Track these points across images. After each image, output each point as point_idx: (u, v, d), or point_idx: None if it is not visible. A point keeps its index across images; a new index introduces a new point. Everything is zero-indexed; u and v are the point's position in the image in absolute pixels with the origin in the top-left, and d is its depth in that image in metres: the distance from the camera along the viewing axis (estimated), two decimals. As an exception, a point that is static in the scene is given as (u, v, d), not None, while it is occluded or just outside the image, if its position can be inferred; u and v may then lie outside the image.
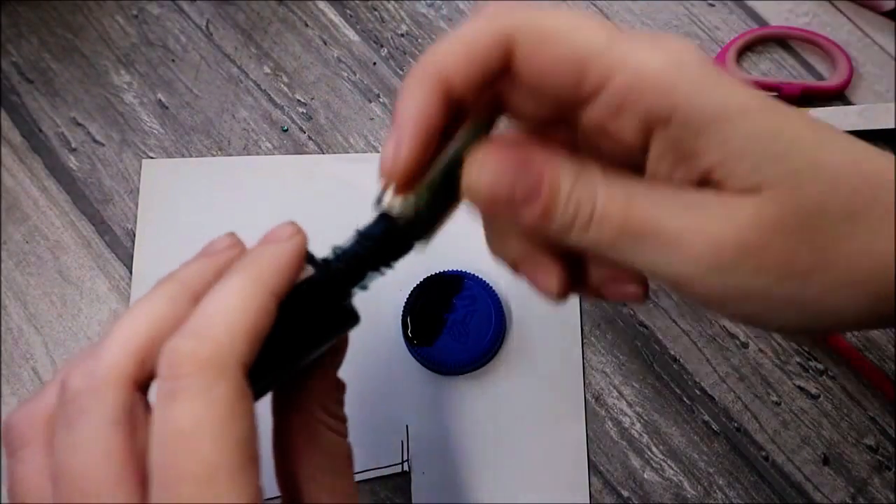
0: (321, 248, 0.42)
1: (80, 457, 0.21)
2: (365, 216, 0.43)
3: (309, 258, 0.25)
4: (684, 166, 0.23)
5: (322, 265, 0.25)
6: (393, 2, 0.45)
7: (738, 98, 0.22)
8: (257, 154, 0.42)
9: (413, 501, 0.37)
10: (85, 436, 0.21)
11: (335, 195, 0.42)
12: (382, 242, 0.25)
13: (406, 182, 0.23)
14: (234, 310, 0.23)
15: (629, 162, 0.24)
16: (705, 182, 0.23)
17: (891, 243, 0.22)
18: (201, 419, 0.21)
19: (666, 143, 0.23)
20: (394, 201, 0.24)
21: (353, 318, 0.26)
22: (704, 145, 0.22)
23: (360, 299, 0.29)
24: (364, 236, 0.25)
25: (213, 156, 0.42)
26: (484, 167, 0.23)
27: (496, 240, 0.28)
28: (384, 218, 0.24)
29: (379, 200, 0.24)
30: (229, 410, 0.21)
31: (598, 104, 0.23)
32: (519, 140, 0.24)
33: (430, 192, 0.24)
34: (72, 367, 0.23)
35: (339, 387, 0.29)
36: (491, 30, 0.22)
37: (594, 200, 0.23)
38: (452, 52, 0.22)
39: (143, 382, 0.23)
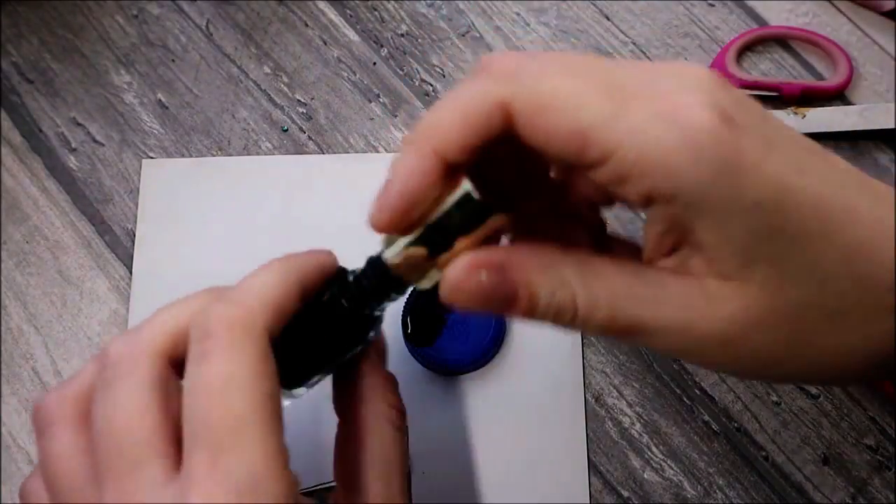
0: (320, 247, 0.42)
1: (119, 413, 0.23)
2: (364, 216, 0.43)
3: (341, 273, 0.27)
4: (678, 235, 0.23)
5: (343, 282, 0.27)
6: (393, 2, 0.45)
7: (751, 191, 0.21)
8: (257, 154, 0.42)
9: (413, 501, 0.37)
10: (124, 394, 0.23)
11: (335, 195, 0.42)
12: (379, 282, 0.26)
13: (393, 232, 0.24)
14: (264, 284, 0.25)
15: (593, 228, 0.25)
16: (695, 256, 0.23)
17: (861, 341, 0.23)
18: (231, 374, 0.23)
19: (664, 215, 0.22)
20: (385, 248, 0.25)
21: (372, 322, 0.28)
22: (701, 229, 0.22)
23: None
24: (363, 273, 0.27)
25: (213, 156, 0.42)
26: (460, 281, 0.23)
27: None
28: (376, 261, 0.26)
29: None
30: (256, 368, 0.23)
31: (600, 173, 0.22)
32: (500, 251, 0.24)
33: (413, 246, 0.24)
34: (112, 341, 0.25)
35: (392, 380, 0.30)
36: (488, 98, 0.22)
37: (575, 305, 0.23)
38: (449, 120, 0.22)
39: (176, 360, 0.25)
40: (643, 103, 0.21)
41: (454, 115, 0.22)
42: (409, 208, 0.23)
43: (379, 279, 0.26)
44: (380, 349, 0.31)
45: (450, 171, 0.23)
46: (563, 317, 0.23)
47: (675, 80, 0.22)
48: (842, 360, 0.23)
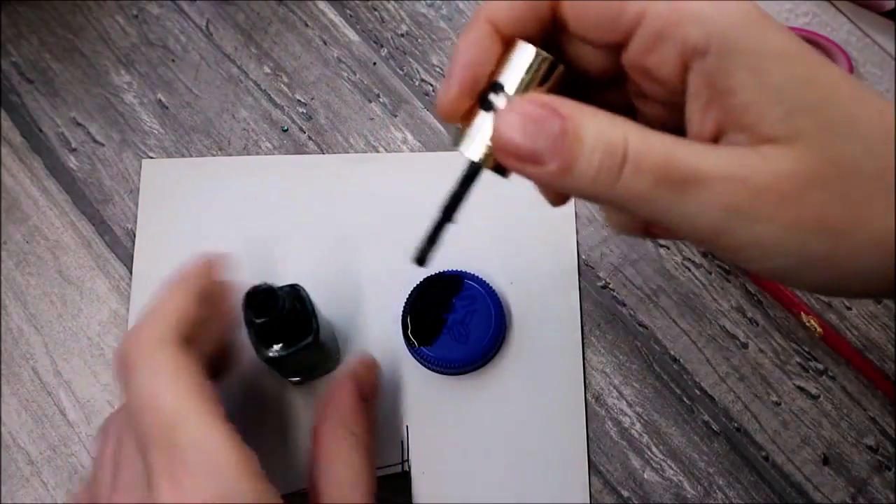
0: (320, 247, 0.42)
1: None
2: (364, 216, 0.44)
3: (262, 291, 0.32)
4: (719, 105, 0.22)
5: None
6: (393, 2, 0.45)
7: (777, 40, 0.22)
8: (257, 154, 0.42)
9: (413, 501, 0.37)
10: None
11: (335, 195, 0.42)
12: (466, 174, 0.26)
13: (459, 110, 0.25)
14: (164, 302, 0.30)
15: (671, 117, 0.24)
16: (739, 128, 0.22)
17: None
18: (153, 381, 0.27)
19: (702, 79, 0.22)
20: (456, 136, 0.25)
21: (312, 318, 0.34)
22: (739, 82, 0.22)
23: (360, 300, 0.34)
24: (462, 182, 0.26)
25: (213, 156, 0.42)
26: (506, 120, 0.23)
27: (610, 215, 0.29)
28: (470, 165, 0.26)
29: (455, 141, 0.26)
30: (173, 368, 0.27)
31: (637, 40, 0.23)
32: (545, 96, 0.23)
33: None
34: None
35: (357, 405, 0.34)
36: None
37: (625, 146, 0.22)
38: (501, 2, 0.24)
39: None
40: None
41: None
42: (470, 83, 0.24)
43: (472, 177, 0.26)
44: (353, 373, 0.35)
45: (502, 45, 0.24)
46: (611, 157, 0.22)
47: None
48: (890, 237, 0.22)
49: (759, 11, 0.22)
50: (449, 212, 0.27)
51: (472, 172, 0.25)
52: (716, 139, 0.23)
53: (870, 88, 0.23)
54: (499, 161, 0.24)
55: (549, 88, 0.24)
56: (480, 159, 0.25)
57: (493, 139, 0.23)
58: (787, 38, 0.22)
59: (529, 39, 0.24)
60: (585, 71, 0.26)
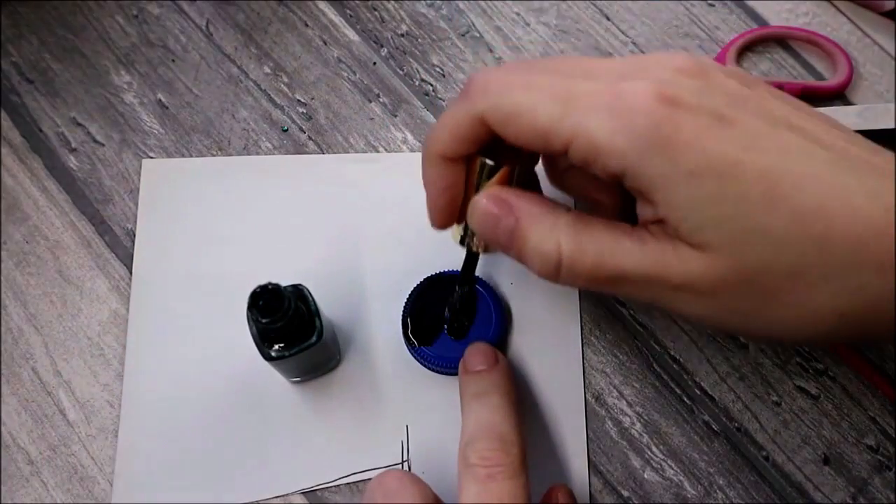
0: (321, 247, 0.42)
1: None
2: (364, 215, 0.44)
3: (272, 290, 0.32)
4: (649, 207, 0.26)
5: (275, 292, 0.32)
6: (393, 2, 0.45)
7: (687, 162, 0.24)
8: (257, 154, 0.42)
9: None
10: None
11: (335, 195, 0.42)
12: (466, 262, 0.36)
13: (450, 222, 0.32)
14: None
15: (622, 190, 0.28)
16: (666, 224, 0.26)
17: (829, 298, 0.24)
18: None
19: (630, 189, 0.26)
20: (454, 233, 0.33)
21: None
22: (655, 199, 0.25)
23: (360, 299, 0.36)
24: (465, 267, 0.36)
25: (213, 156, 0.42)
26: (475, 214, 0.30)
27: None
28: (470, 253, 0.35)
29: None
30: None
31: (570, 157, 0.26)
32: (507, 192, 0.29)
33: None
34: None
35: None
36: (468, 114, 0.28)
37: (559, 255, 0.27)
38: (443, 135, 0.29)
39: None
40: (589, 99, 0.25)
41: (446, 131, 0.29)
42: (449, 202, 0.31)
43: (472, 262, 0.35)
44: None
45: (459, 165, 0.30)
46: (547, 263, 0.27)
47: (637, 72, 0.26)
48: (811, 316, 0.25)
49: (671, 130, 0.24)
50: (466, 280, 0.36)
51: (471, 259, 0.35)
52: (654, 221, 0.26)
53: (801, 176, 0.24)
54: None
55: (504, 179, 0.30)
56: (476, 249, 0.33)
57: (469, 223, 0.30)
58: (697, 155, 0.24)
59: (479, 152, 0.30)
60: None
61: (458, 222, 0.32)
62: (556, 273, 0.27)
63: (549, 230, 0.27)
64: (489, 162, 0.30)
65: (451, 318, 0.37)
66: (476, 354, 0.35)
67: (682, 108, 0.24)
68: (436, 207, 0.31)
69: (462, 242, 0.33)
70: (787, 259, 0.24)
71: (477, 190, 0.30)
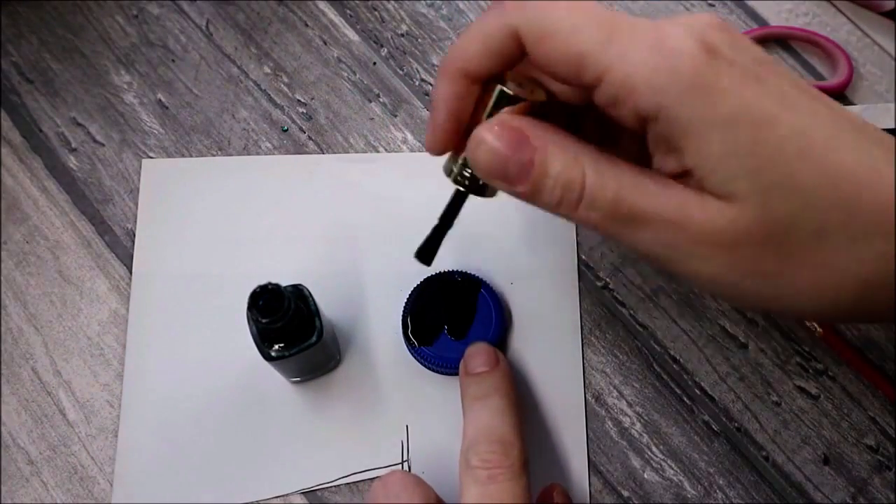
0: (321, 247, 0.42)
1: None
2: (364, 216, 0.44)
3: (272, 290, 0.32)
4: (673, 157, 0.25)
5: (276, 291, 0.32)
6: (393, 2, 0.45)
7: (724, 107, 0.23)
8: (257, 154, 0.42)
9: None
10: None
11: (335, 195, 0.42)
12: (452, 201, 0.30)
13: (450, 147, 0.28)
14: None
15: (639, 147, 0.26)
16: (691, 175, 0.24)
17: (854, 263, 0.24)
18: None
19: (657, 135, 0.25)
20: (446, 165, 0.29)
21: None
22: (685, 147, 0.24)
23: (360, 299, 0.35)
24: (454, 199, 0.30)
25: (213, 156, 0.42)
26: (482, 145, 0.26)
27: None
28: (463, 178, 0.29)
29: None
30: None
31: (599, 95, 0.25)
32: (522, 120, 0.26)
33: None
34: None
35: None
36: (500, 25, 0.25)
37: (582, 184, 0.25)
38: (470, 46, 0.26)
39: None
40: (633, 34, 0.24)
41: (474, 42, 0.26)
42: (454, 127, 0.27)
43: (458, 204, 0.30)
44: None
45: (478, 88, 0.27)
46: (570, 193, 0.25)
47: (674, 21, 0.25)
48: (834, 280, 0.24)
49: (712, 76, 0.23)
50: (445, 221, 0.30)
51: (459, 199, 0.29)
52: (674, 175, 0.25)
53: (833, 134, 0.24)
54: (478, 178, 0.27)
55: (521, 111, 0.27)
56: (466, 185, 0.28)
57: (471, 156, 0.26)
58: (736, 103, 0.23)
59: (501, 75, 0.27)
60: (566, 99, 0.29)
61: (457, 152, 0.28)
62: (576, 204, 0.25)
63: (573, 158, 0.25)
64: (508, 91, 0.26)
65: (425, 246, 0.31)
66: (477, 355, 0.35)
67: (721, 57, 0.24)
68: (438, 128, 0.27)
69: (451, 176, 0.29)
70: (815, 217, 0.23)
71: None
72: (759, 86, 0.24)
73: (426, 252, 0.31)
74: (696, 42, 0.23)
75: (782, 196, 0.23)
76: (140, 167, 0.42)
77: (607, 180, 0.25)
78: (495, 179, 0.26)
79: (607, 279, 0.40)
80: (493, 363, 0.35)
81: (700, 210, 0.24)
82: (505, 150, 0.26)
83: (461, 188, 0.28)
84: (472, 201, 0.29)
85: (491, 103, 0.26)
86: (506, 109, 0.26)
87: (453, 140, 0.28)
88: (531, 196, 0.26)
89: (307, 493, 0.37)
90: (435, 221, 0.30)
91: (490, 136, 0.26)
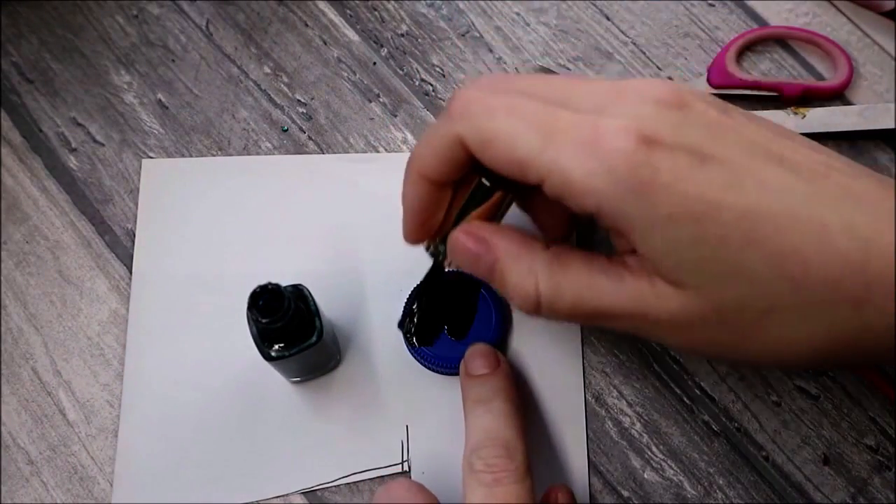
0: (321, 247, 0.42)
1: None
2: (364, 216, 0.44)
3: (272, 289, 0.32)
4: (625, 240, 0.26)
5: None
6: (393, 2, 0.45)
7: (663, 208, 0.24)
8: (257, 154, 0.42)
9: (413, 501, 0.37)
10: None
11: (335, 195, 0.42)
12: (430, 272, 0.35)
13: (423, 239, 0.32)
14: None
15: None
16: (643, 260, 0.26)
17: (806, 335, 0.25)
18: None
19: (604, 224, 0.26)
20: (431, 251, 0.33)
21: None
22: (634, 239, 0.25)
23: (360, 299, 0.37)
24: (428, 277, 0.36)
25: (213, 156, 0.42)
26: (457, 245, 0.30)
27: None
28: (437, 263, 0.34)
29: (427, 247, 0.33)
30: None
31: (545, 191, 0.26)
32: (487, 229, 0.29)
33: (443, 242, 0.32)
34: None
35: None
36: (447, 133, 0.27)
37: (536, 295, 0.27)
38: (425, 154, 0.29)
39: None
40: (569, 134, 0.25)
41: (428, 150, 0.28)
42: (423, 221, 0.30)
43: (437, 274, 0.35)
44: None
45: (441, 188, 0.29)
46: (526, 302, 0.28)
47: (614, 110, 0.25)
48: (789, 350, 0.25)
49: (649, 173, 0.24)
50: (423, 295, 0.37)
51: (437, 271, 0.35)
52: (630, 253, 0.27)
53: (780, 215, 0.24)
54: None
55: (493, 208, 0.30)
56: (447, 266, 0.33)
57: (449, 256, 0.31)
58: (675, 200, 0.24)
59: (453, 179, 0.29)
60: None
61: (433, 238, 0.32)
62: (536, 311, 0.28)
63: (527, 270, 0.28)
64: (486, 183, 0.30)
65: (409, 324, 0.38)
66: (477, 357, 0.35)
67: (661, 147, 0.24)
68: (411, 225, 0.31)
69: (433, 255, 0.32)
70: (763, 298, 0.24)
71: (464, 210, 0.30)
72: (704, 169, 0.24)
73: (404, 323, 0.37)
74: (634, 137, 0.24)
75: (728, 283, 0.24)
76: (140, 167, 0.42)
77: (563, 289, 0.27)
78: (474, 274, 0.30)
79: (607, 279, 0.40)
80: (494, 365, 0.35)
81: (654, 300, 0.26)
82: (475, 251, 0.29)
83: (440, 265, 0.33)
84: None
85: (469, 192, 0.30)
86: (485, 206, 0.30)
87: (428, 231, 0.31)
88: (502, 294, 0.29)
89: (307, 493, 0.37)
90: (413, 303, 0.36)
91: (463, 238, 0.29)
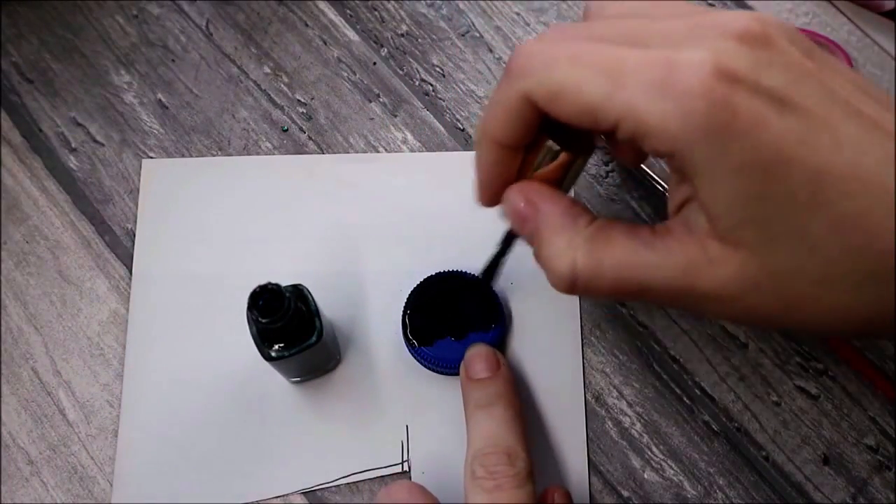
0: (321, 247, 0.42)
1: None
2: (364, 216, 0.44)
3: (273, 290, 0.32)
4: (687, 186, 0.25)
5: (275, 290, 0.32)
6: (393, 2, 0.45)
7: (735, 155, 0.23)
8: (257, 154, 0.42)
9: (413, 501, 0.37)
10: None
11: (335, 195, 0.42)
12: (506, 235, 0.34)
13: (495, 204, 0.31)
14: None
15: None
16: (700, 212, 0.25)
17: (859, 305, 0.24)
18: None
19: (674, 168, 0.26)
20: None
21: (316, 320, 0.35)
22: (698, 186, 0.24)
23: (360, 299, 0.36)
24: (502, 245, 0.35)
25: (213, 156, 0.42)
26: (505, 206, 0.30)
27: None
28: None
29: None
30: None
31: (618, 135, 0.25)
32: (540, 192, 0.29)
33: None
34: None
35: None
36: (513, 93, 0.26)
37: (574, 272, 0.27)
38: (494, 119, 0.28)
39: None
40: (640, 74, 0.23)
41: (496, 114, 0.27)
42: (496, 186, 0.30)
43: (512, 238, 0.34)
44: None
45: (513, 152, 0.29)
46: (560, 279, 0.27)
47: (693, 41, 0.24)
48: (838, 320, 0.24)
49: (726, 116, 0.22)
50: (502, 250, 0.35)
51: (509, 237, 0.34)
52: (681, 204, 0.26)
53: (850, 178, 0.23)
54: None
55: (560, 169, 0.29)
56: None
57: (502, 210, 0.30)
58: (748, 148, 0.23)
59: (525, 141, 0.28)
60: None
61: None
62: (570, 289, 0.27)
63: (566, 245, 0.27)
64: (555, 147, 0.28)
65: (487, 272, 0.36)
66: (478, 360, 0.35)
67: (741, 88, 0.22)
68: (484, 190, 0.30)
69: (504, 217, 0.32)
70: (821, 266, 0.23)
71: (536, 170, 0.29)
72: (781, 118, 0.22)
73: (487, 274, 0.36)
74: (712, 75, 0.22)
75: (788, 246, 0.23)
76: (140, 167, 0.42)
77: (604, 267, 0.26)
78: (520, 235, 0.29)
79: (607, 279, 0.40)
80: (495, 368, 0.35)
81: (704, 267, 0.24)
82: (520, 214, 0.29)
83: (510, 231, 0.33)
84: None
85: (540, 154, 0.29)
86: (550, 166, 0.29)
87: (499, 195, 0.30)
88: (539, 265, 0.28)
89: (307, 493, 0.37)
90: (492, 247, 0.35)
91: (514, 197, 0.29)
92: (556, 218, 0.28)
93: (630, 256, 0.26)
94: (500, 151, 0.28)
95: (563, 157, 0.29)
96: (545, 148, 0.28)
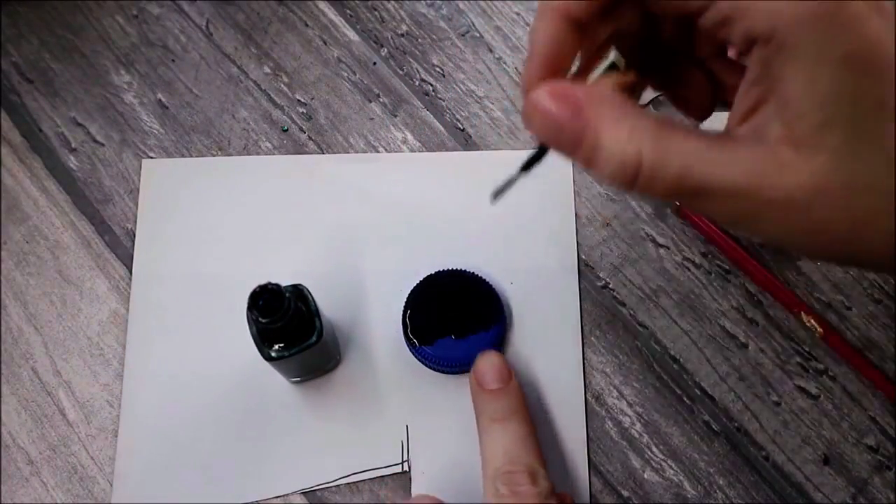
0: (321, 247, 0.42)
1: None
2: (364, 216, 0.44)
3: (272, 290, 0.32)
4: (767, 86, 0.23)
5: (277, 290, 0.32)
6: (393, 2, 0.45)
7: (841, 46, 0.21)
8: (257, 154, 0.42)
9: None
10: None
11: (335, 195, 0.42)
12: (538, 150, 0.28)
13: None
14: None
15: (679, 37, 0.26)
16: (776, 112, 0.23)
17: None
18: None
19: (759, 58, 0.23)
20: None
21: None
22: (791, 77, 0.22)
23: (360, 299, 0.35)
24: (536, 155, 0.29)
25: (213, 156, 0.42)
26: (538, 108, 0.25)
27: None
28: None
29: None
30: None
31: (707, 17, 0.23)
32: (579, 89, 0.25)
33: None
34: None
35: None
36: None
37: (638, 163, 0.23)
38: None
39: None
40: None
41: None
42: (549, 66, 0.26)
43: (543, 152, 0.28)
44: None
45: (577, 31, 0.26)
46: (624, 171, 0.24)
47: None
48: None
49: (835, 10, 0.21)
50: (525, 168, 0.28)
51: (543, 151, 0.28)
52: (751, 111, 0.24)
53: None
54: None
55: (623, 87, 0.26)
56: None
57: (525, 115, 0.25)
58: (855, 41, 0.21)
59: (594, 16, 0.26)
60: (656, 32, 0.28)
61: None
62: (632, 182, 0.24)
63: (628, 136, 0.24)
64: (616, 62, 0.26)
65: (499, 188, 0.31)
66: (490, 370, 0.35)
67: None
68: (535, 70, 0.26)
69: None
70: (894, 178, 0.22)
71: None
72: (882, 18, 0.22)
73: (499, 191, 0.29)
74: None
75: (869, 156, 0.22)
76: (140, 167, 0.42)
77: (671, 155, 0.23)
78: (551, 144, 0.25)
79: (607, 279, 0.40)
80: (507, 379, 0.35)
81: (775, 170, 0.23)
82: (559, 116, 0.24)
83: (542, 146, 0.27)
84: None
85: (602, 67, 0.26)
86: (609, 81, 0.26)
87: (547, 79, 0.26)
88: (586, 166, 0.25)
89: (307, 493, 0.37)
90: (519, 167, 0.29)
91: (546, 101, 0.24)
92: (612, 110, 0.24)
93: (697, 152, 0.24)
94: (562, 25, 0.26)
95: (618, 77, 0.26)
96: (608, 65, 0.26)
